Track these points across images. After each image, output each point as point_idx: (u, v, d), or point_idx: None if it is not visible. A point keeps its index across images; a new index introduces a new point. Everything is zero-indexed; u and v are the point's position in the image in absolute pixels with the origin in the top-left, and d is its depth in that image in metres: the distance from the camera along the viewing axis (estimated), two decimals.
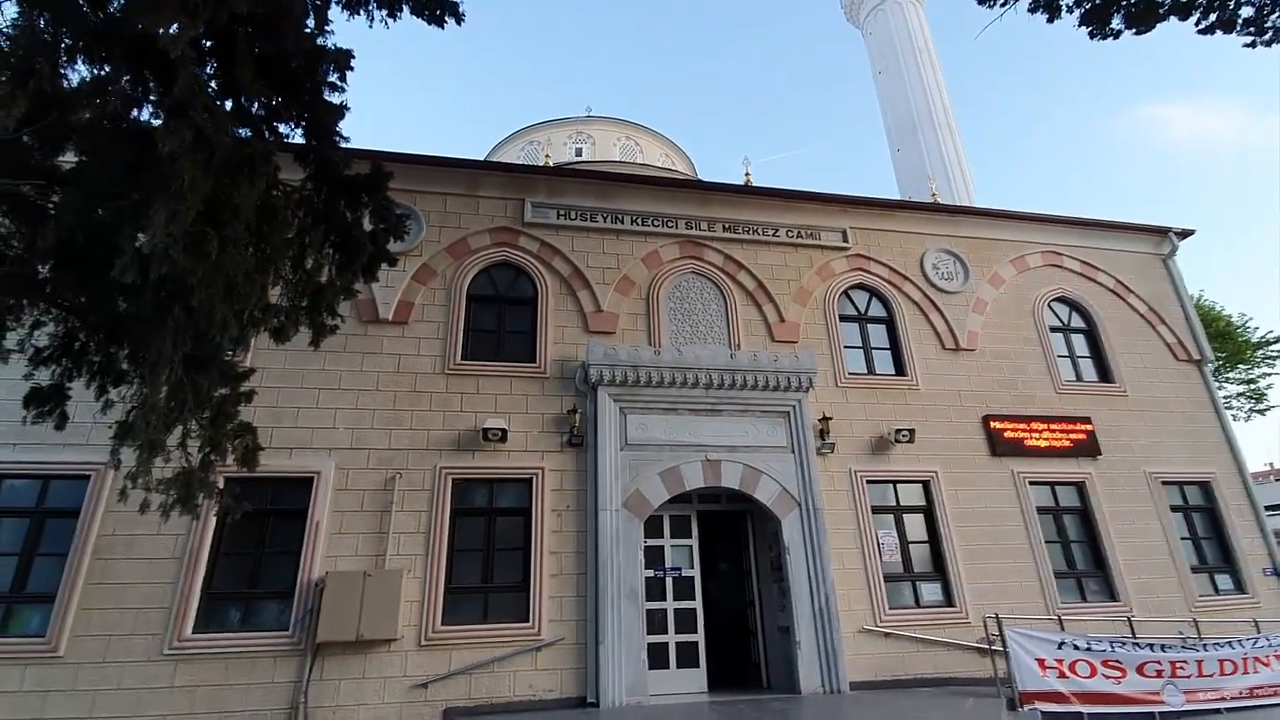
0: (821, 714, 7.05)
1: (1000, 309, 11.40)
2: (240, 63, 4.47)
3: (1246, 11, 6.74)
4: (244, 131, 4.84)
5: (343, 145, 5.33)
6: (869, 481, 9.56)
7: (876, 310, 11.06)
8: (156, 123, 4.39)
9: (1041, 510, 9.98)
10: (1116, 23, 7.84)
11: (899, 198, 13.10)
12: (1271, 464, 49.87)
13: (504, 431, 8.49)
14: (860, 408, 9.98)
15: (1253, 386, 20.02)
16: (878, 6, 36.20)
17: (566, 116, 23.88)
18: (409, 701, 7.29)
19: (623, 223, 10.42)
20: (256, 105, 5.04)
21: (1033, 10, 7.91)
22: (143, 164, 3.88)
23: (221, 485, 5.94)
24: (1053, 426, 10.47)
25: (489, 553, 8.24)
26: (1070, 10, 7.94)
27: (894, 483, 9.71)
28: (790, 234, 11.03)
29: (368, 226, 5.43)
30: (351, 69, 5.25)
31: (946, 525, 9.49)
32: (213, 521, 7.53)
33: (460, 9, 5.73)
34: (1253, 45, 6.78)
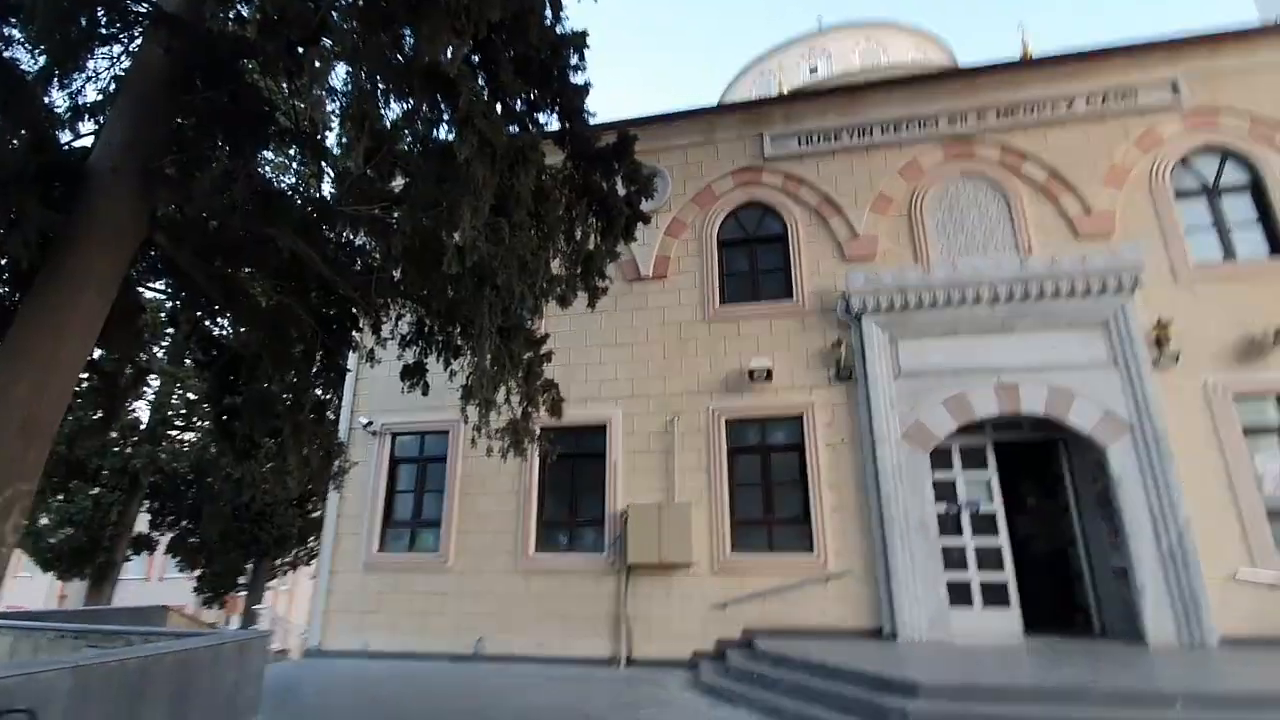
0: (1178, 669, 5.94)
1: None
2: (501, 67, 5.10)
3: None
4: (512, 127, 5.54)
5: (590, 120, 5.79)
6: (1236, 397, 7.56)
7: (1234, 177, 8.50)
8: (448, 137, 5.28)
9: None
10: None
11: (1258, 24, 9.74)
12: None
13: (769, 370, 8.59)
14: (1214, 305, 7.86)
15: None
16: None
17: (796, 36, 22.40)
18: (710, 618, 8.02)
19: (871, 135, 9.53)
20: (518, 102, 5.71)
21: None
22: (445, 174, 4.69)
23: (538, 433, 7.08)
24: None
25: (767, 487, 8.53)
26: None
27: (1277, 395, 7.54)
28: (1092, 102, 8.95)
29: (620, 192, 5.85)
30: (588, 47, 5.62)
31: None
32: (536, 463, 9.03)
33: None
34: None
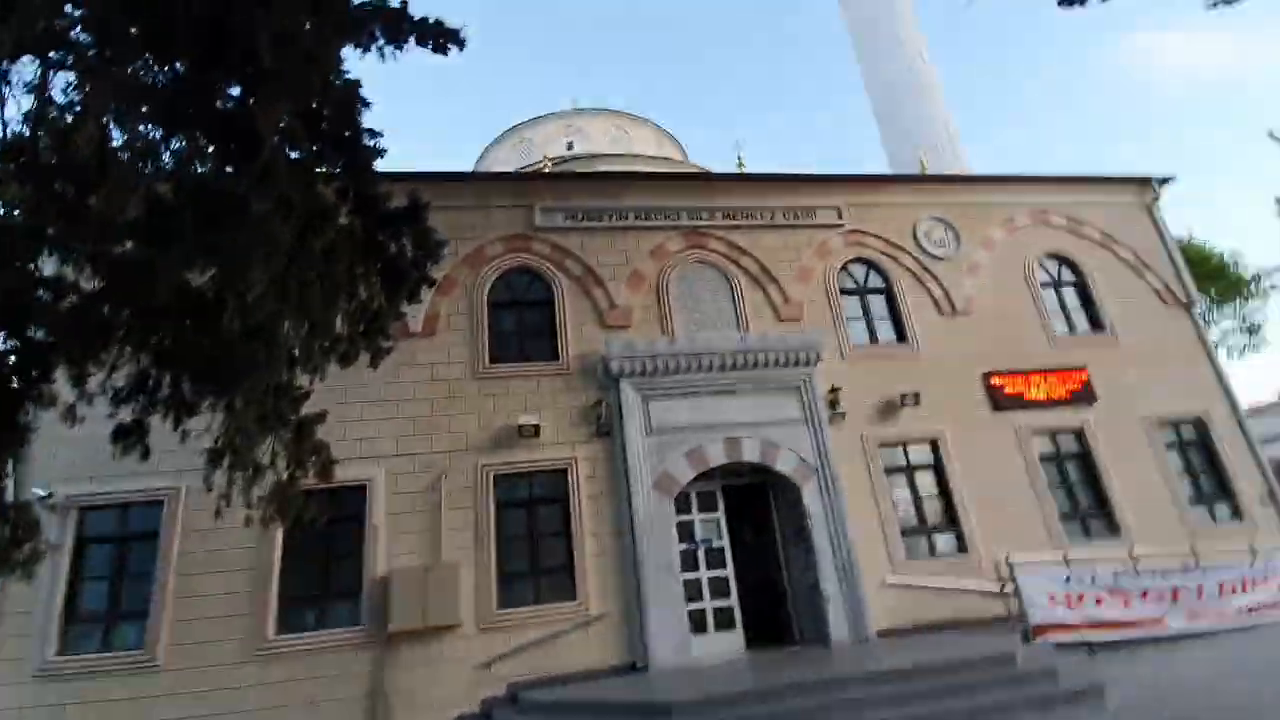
0: (851, 657, 7.73)
1: (993, 271, 11.93)
2: (290, 122, 5.01)
3: None
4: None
5: (378, 181, 5.87)
6: (880, 445, 10.17)
7: (875, 282, 11.60)
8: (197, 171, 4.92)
9: (1044, 458, 10.60)
10: None
11: (888, 172, 13.55)
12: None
13: (537, 427, 9.12)
14: (866, 376, 10.54)
15: (1246, 322, 20.52)
16: None
17: (554, 111, 24.22)
18: (475, 679, 7.99)
19: (628, 219, 10.94)
20: (299, 151, 5.56)
21: None
22: (223, 221, 4.43)
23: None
24: (1049, 378, 11.04)
25: (534, 539, 8.92)
26: None
27: (903, 444, 10.33)
28: (788, 215, 11.54)
29: (409, 254, 5.98)
30: (366, 104, 5.69)
31: (956, 479, 10.12)
32: (279, 534, 8.17)
33: (462, 36, 6.03)
34: (1213, 8, 7.18)
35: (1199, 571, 9.00)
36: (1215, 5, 7.22)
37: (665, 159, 20.46)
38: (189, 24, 3.73)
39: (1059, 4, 7.98)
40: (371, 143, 5.69)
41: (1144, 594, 8.56)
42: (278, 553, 8.22)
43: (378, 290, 5.79)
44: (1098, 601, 8.39)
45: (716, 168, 20.58)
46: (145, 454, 5.89)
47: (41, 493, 7.75)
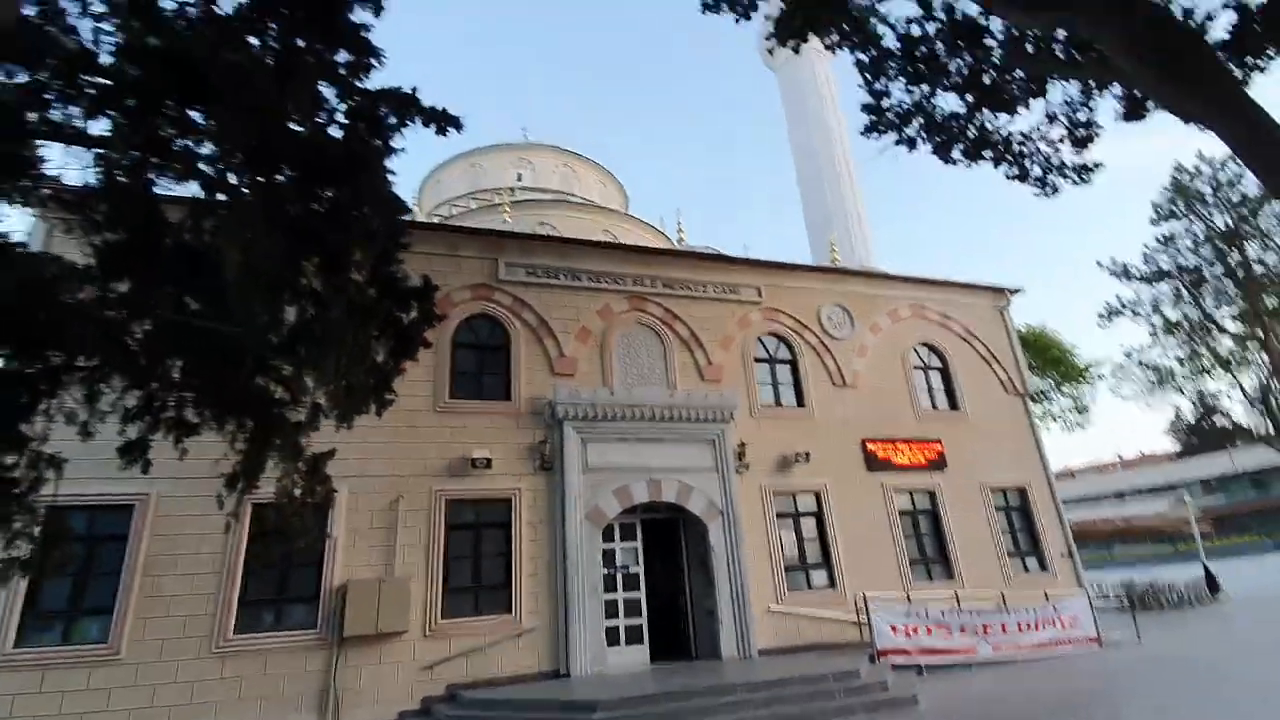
0: (736, 670, 9.51)
1: (877, 352, 14.35)
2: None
3: (1036, 171, 9.66)
4: None
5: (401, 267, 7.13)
6: (775, 493, 12.16)
7: (783, 354, 13.71)
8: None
9: (903, 512, 12.97)
10: (956, 154, 10.65)
11: (801, 262, 15.82)
12: (1120, 456, 58.99)
13: (489, 460, 10.41)
14: (769, 433, 12.55)
15: (1078, 403, 24.65)
16: (789, 58, 38.76)
17: (507, 142, 25.38)
18: (418, 681, 9.16)
19: (580, 280, 12.48)
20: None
21: (897, 144, 10.59)
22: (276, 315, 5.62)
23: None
24: (913, 446, 13.50)
25: (477, 558, 10.19)
26: (925, 142, 10.71)
27: (794, 494, 12.37)
28: (716, 290, 13.46)
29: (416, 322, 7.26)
30: (405, 209, 6.99)
31: (832, 526, 12.25)
32: (245, 541, 9.03)
33: (461, 121, 7.27)
34: (1039, 195, 9.72)
35: (1005, 611, 11.48)
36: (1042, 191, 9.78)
37: (611, 210, 22.12)
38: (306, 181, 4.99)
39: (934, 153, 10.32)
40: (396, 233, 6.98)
41: (962, 628, 10.91)
42: (241, 559, 9.05)
43: (389, 354, 7.03)
44: (928, 632, 10.64)
45: (652, 218, 22.55)
46: (146, 467, 6.81)
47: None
